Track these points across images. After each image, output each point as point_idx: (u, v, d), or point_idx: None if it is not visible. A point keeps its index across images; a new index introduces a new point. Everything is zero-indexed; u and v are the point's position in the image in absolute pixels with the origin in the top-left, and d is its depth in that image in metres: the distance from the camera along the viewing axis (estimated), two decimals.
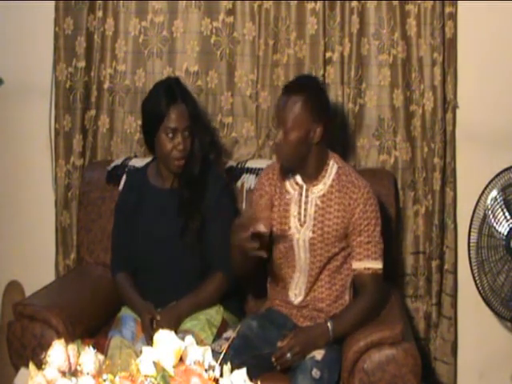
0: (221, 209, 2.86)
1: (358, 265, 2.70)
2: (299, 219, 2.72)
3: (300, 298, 2.76)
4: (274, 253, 2.79)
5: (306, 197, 2.72)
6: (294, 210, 2.74)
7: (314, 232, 2.70)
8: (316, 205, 2.71)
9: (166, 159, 2.85)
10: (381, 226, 2.73)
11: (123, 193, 3.04)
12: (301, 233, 2.71)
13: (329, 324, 2.61)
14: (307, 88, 2.71)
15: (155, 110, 2.84)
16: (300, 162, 2.71)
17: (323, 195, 2.71)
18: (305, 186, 2.73)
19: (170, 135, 2.81)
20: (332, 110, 3.25)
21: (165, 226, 2.86)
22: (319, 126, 2.66)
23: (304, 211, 2.72)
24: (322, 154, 2.73)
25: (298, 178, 2.75)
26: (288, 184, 2.77)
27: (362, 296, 2.69)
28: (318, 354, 2.55)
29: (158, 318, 2.72)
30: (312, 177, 2.73)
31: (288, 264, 2.76)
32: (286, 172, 2.78)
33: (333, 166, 2.74)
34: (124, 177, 3.16)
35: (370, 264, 2.68)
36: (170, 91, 2.86)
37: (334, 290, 2.75)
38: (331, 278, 2.74)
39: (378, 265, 2.69)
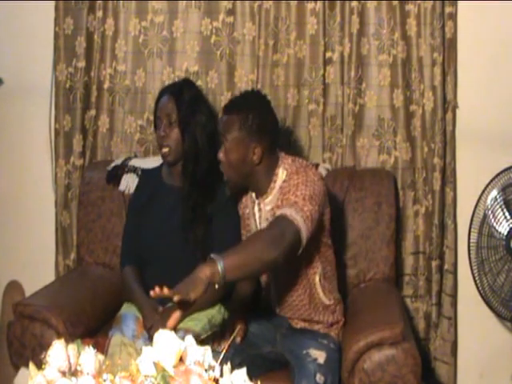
0: (226, 210, 2.84)
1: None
2: None
3: (278, 309, 2.72)
4: None
5: (259, 210, 2.69)
6: (251, 223, 2.73)
7: None
8: (267, 219, 2.64)
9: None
10: (314, 201, 2.47)
11: (136, 192, 3.06)
12: None
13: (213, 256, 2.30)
14: (247, 108, 2.60)
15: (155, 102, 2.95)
16: (245, 181, 2.65)
17: (272, 208, 2.63)
18: (257, 201, 2.69)
19: (158, 122, 2.87)
20: (331, 110, 3.26)
21: (173, 220, 2.87)
22: (258, 147, 2.57)
23: (259, 225, 2.68)
24: (269, 168, 2.62)
25: (253, 193, 2.72)
26: (248, 199, 2.74)
27: (260, 231, 2.54)
28: (320, 357, 2.55)
29: (161, 309, 2.71)
30: (262, 191, 2.65)
31: (265, 275, 2.73)
32: (239, 189, 2.72)
33: (282, 174, 2.62)
34: (135, 178, 3.17)
35: (281, 211, 2.46)
36: (171, 85, 2.97)
37: (302, 294, 2.66)
38: (296, 285, 2.64)
39: (286, 211, 2.42)
